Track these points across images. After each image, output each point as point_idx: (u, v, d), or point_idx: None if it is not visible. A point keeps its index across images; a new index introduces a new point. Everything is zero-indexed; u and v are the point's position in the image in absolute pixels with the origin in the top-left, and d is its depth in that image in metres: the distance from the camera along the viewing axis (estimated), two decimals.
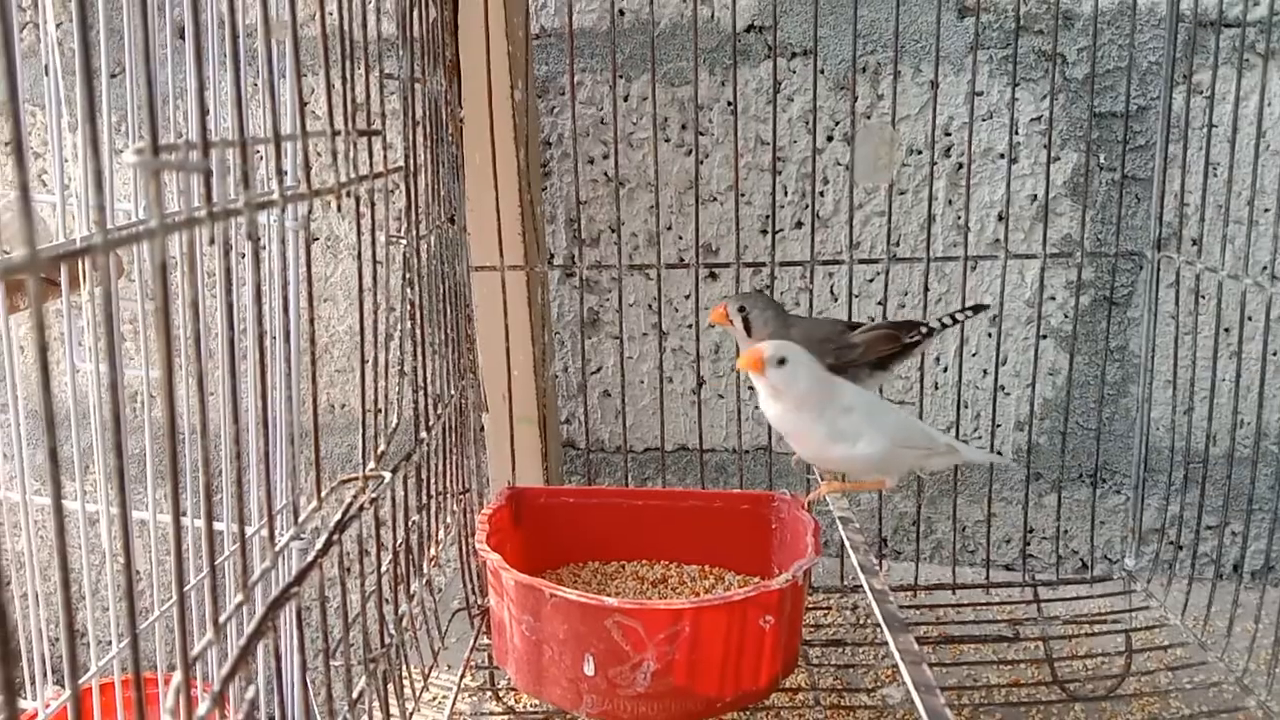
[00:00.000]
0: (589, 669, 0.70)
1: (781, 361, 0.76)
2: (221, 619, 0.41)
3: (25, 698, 0.91)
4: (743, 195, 1.09)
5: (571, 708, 0.73)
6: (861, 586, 0.70)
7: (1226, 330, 0.99)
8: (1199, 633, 0.85)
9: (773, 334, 0.81)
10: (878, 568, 0.67)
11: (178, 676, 0.37)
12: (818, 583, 1.00)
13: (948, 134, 1.06)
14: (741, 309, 0.81)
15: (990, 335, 1.10)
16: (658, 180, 0.97)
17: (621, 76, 1.09)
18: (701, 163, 1.09)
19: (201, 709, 0.37)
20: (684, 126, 1.09)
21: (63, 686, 0.96)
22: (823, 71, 1.07)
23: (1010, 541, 1.15)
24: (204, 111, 0.43)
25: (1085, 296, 1.07)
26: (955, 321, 0.88)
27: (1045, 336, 1.09)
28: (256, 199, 0.39)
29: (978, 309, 0.89)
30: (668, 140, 1.09)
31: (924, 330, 0.87)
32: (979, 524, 1.14)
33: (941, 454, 0.80)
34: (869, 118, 1.06)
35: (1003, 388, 1.11)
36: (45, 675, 0.89)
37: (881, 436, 0.76)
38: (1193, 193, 0.91)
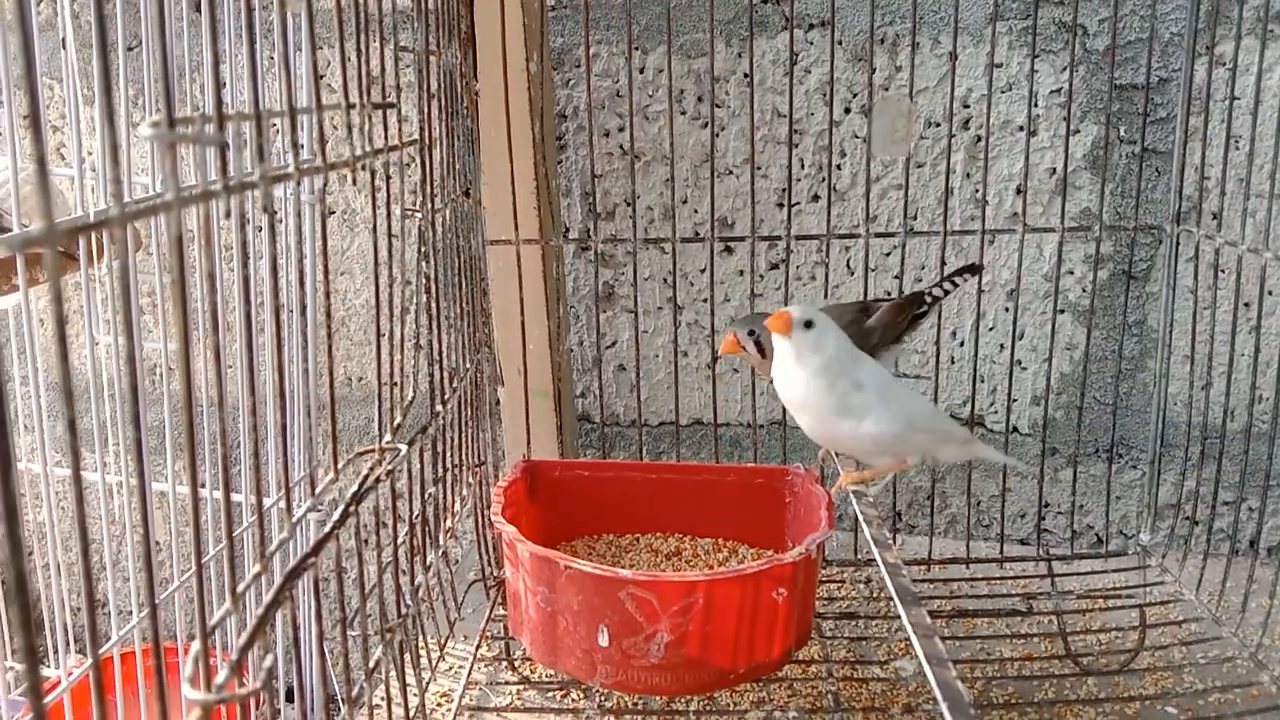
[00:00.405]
0: (603, 640, 0.71)
1: (809, 325, 0.76)
2: (239, 589, 0.42)
3: (48, 666, 0.93)
4: (759, 168, 1.09)
5: (586, 678, 0.74)
6: (875, 560, 0.70)
7: (1246, 305, 0.99)
8: (1214, 608, 0.85)
9: None
10: (891, 542, 0.67)
11: (196, 645, 0.37)
12: (831, 556, 1.00)
13: (966, 106, 1.06)
14: (751, 332, 0.80)
15: (1007, 310, 1.09)
16: (673, 153, 0.97)
17: (637, 48, 1.08)
18: (717, 135, 1.09)
19: (220, 677, 0.38)
20: (700, 99, 1.08)
21: (85, 655, 0.98)
22: (840, 43, 1.06)
23: (1025, 516, 1.15)
24: (219, 84, 0.43)
25: (1104, 271, 1.06)
26: (955, 285, 0.88)
27: (1063, 311, 1.09)
28: (272, 172, 0.39)
29: (972, 270, 0.88)
30: (684, 113, 1.09)
31: (929, 300, 0.86)
32: (994, 498, 1.14)
33: (956, 444, 0.79)
34: (887, 90, 1.06)
35: (1019, 362, 1.10)
36: (68, 644, 0.90)
37: (891, 418, 0.76)
38: (1213, 166, 0.90)
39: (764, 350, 0.79)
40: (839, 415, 0.76)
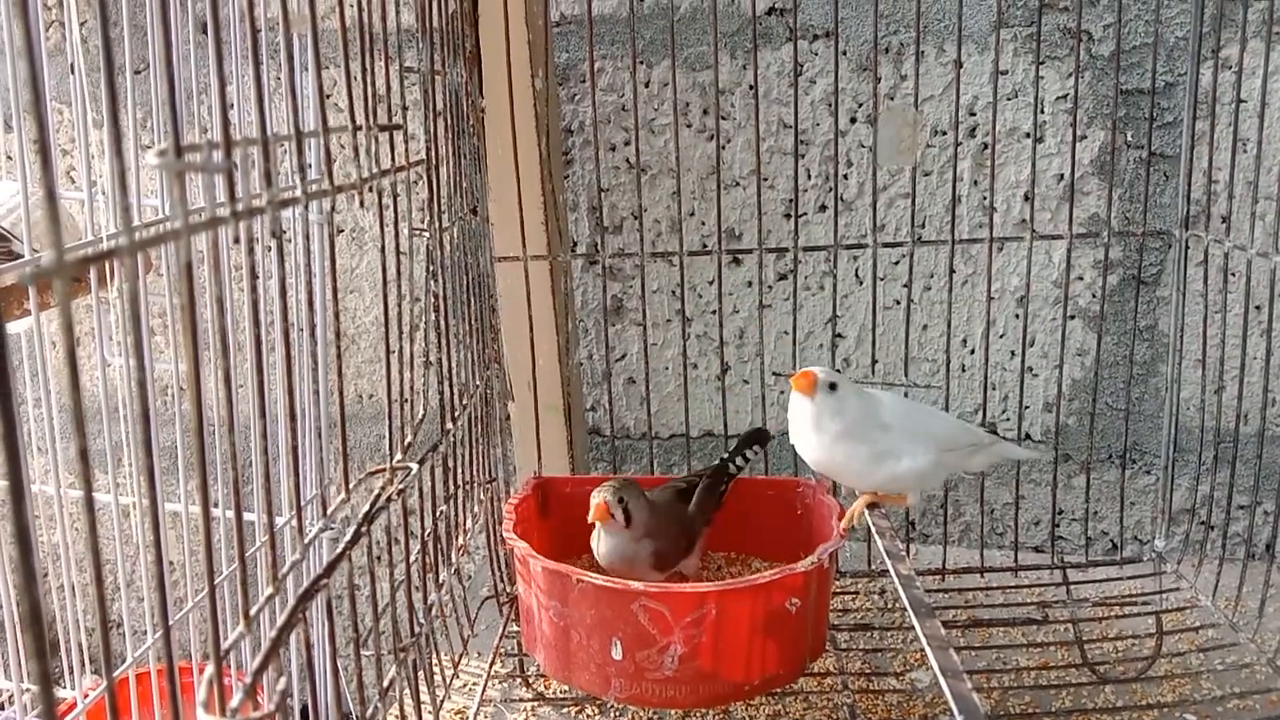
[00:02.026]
0: (617, 653, 0.71)
1: (833, 387, 0.76)
2: (253, 611, 0.42)
3: (64, 687, 0.93)
4: (765, 180, 1.09)
5: (600, 692, 0.74)
6: (889, 571, 0.70)
7: (1258, 308, 0.98)
8: (1230, 614, 0.85)
9: (645, 520, 0.80)
10: (904, 553, 0.67)
11: (210, 668, 0.37)
12: (845, 567, 1.00)
13: (972, 114, 1.06)
14: (621, 500, 0.80)
15: (1017, 317, 1.09)
16: (679, 166, 0.97)
17: (642, 62, 1.08)
18: (723, 148, 1.09)
19: (235, 700, 0.38)
20: (705, 111, 1.08)
21: (100, 676, 0.98)
22: (844, 53, 1.06)
23: (1039, 523, 1.14)
24: (225, 108, 0.44)
25: (1113, 276, 1.06)
26: (747, 460, 0.89)
27: (1073, 317, 1.09)
28: (280, 197, 0.39)
29: (761, 439, 0.90)
30: (689, 125, 1.09)
31: (726, 479, 0.87)
32: (1007, 506, 1.13)
33: (984, 449, 0.80)
34: (892, 99, 1.06)
35: (1030, 369, 1.10)
36: (83, 665, 0.90)
37: (923, 449, 0.76)
38: (1221, 170, 0.90)
39: (630, 520, 0.79)
40: (878, 463, 0.76)
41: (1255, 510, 1.04)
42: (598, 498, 0.79)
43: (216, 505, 0.99)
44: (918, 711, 0.79)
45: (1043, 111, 1.04)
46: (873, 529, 0.73)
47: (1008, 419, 1.12)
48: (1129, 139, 1.03)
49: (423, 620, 0.70)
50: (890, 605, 0.94)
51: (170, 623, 0.36)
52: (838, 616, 0.92)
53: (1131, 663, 0.84)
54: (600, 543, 0.81)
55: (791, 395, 0.77)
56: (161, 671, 0.91)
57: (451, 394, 0.77)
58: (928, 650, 0.54)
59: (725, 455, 0.88)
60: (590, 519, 0.79)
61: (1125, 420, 1.01)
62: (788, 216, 1.09)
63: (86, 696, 0.83)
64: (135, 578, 0.93)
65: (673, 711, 0.79)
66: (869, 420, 0.76)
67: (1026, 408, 1.11)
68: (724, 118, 1.08)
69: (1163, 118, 1.02)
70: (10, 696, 1.09)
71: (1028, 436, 1.12)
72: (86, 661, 0.92)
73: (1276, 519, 0.88)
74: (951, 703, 0.50)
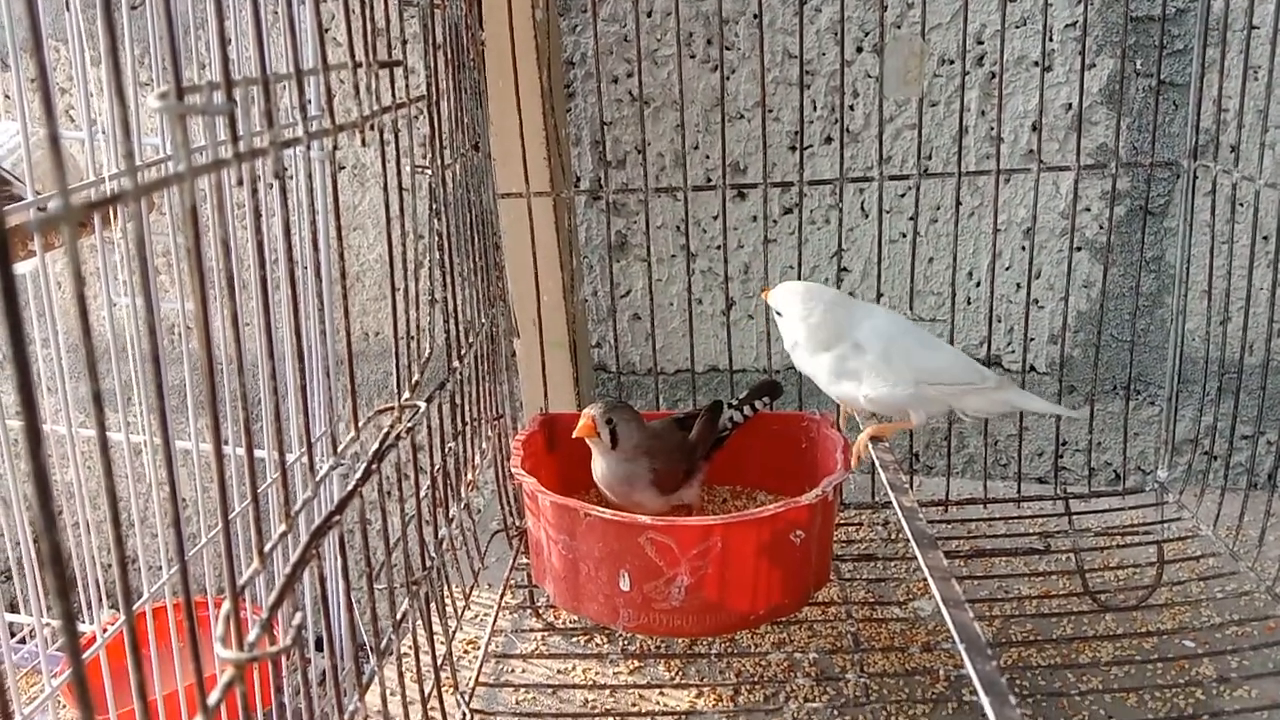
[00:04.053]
0: (625, 585, 0.72)
1: (609, 422, 0.80)
2: (267, 548, 0.42)
3: (82, 621, 0.95)
4: (770, 111, 1.08)
5: (609, 622, 0.75)
6: (892, 503, 0.71)
7: (1265, 238, 0.98)
8: (1231, 543, 0.86)
9: (636, 444, 0.81)
10: (907, 485, 0.68)
11: (227, 604, 0.38)
12: (850, 499, 1.01)
13: (980, 42, 1.04)
14: (609, 420, 0.80)
15: (1024, 249, 1.08)
16: (683, 98, 0.96)
17: None
18: (728, 79, 1.07)
19: (251, 635, 0.39)
20: (709, 41, 1.07)
21: (117, 611, 1.00)
22: None
23: (1043, 455, 1.15)
24: (224, 44, 0.43)
25: (1120, 207, 1.05)
26: (755, 410, 0.88)
27: (1080, 249, 1.08)
28: (281, 137, 0.39)
29: (774, 392, 0.90)
30: (693, 56, 1.08)
31: (731, 423, 0.87)
32: (1011, 438, 1.14)
33: (984, 393, 0.77)
34: (899, 28, 1.04)
35: (1036, 301, 1.10)
36: (100, 600, 0.92)
37: (896, 379, 0.75)
38: (1231, 98, 0.88)
39: (615, 440, 0.80)
40: (833, 383, 0.77)
41: (1258, 440, 1.05)
42: (585, 415, 0.80)
43: (227, 443, 1.00)
44: (920, 640, 0.80)
45: (1051, 39, 1.02)
46: (876, 462, 0.74)
47: (1013, 351, 1.12)
48: (1138, 67, 1.02)
49: (434, 554, 0.71)
50: (894, 536, 0.96)
51: (186, 558, 0.36)
52: (842, 547, 0.93)
53: (1132, 591, 0.85)
54: (597, 466, 0.82)
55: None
56: (178, 606, 0.93)
57: (457, 332, 0.78)
58: (930, 580, 0.55)
59: (733, 402, 0.88)
60: (574, 434, 0.80)
61: (1130, 352, 1.01)
62: (793, 149, 1.09)
63: (105, 630, 0.84)
64: (148, 514, 0.94)
65: (680, 640, 0.81)
66: (836, 337, 0.77)
67: (1031, 340, 1.11)
68: (728, 48, 1.07)
69: (1173, 45, 1.00)
70: (31, 631, 1.12)
71: (1032, 368, 1.12)
72: (104, 596, 0.94)
73: (1279, 448, 0.89)
74: (953, 631, 0.51)
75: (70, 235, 0.24)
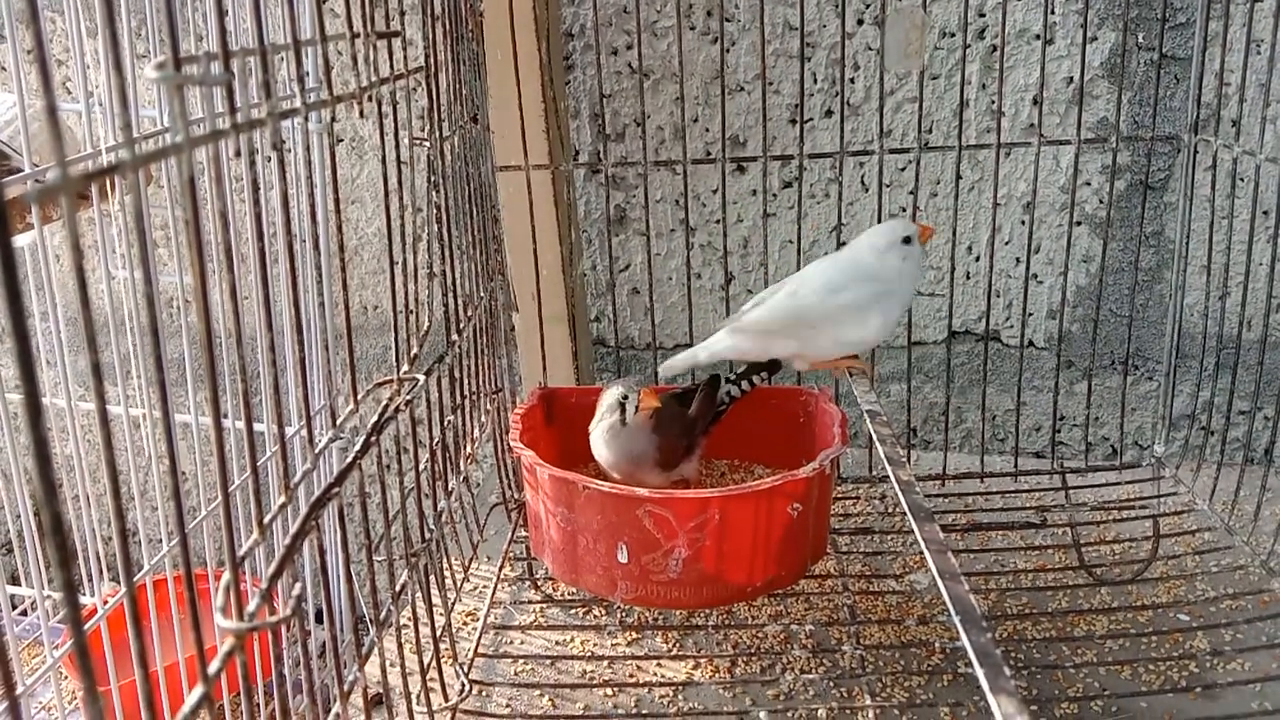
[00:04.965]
0: (623, 557, 0.72)
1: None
2: (266, 520, 0.43)
3: (83, 594, 0.96)
4: (770, 84, 1.07)
5: (607, 594, 0.76)
6: (889, 477, 0.71)
7: (1265, 213, 0.97)
8: (1226, 517, 0.86)
9: (645, 421, 0.82)
10: (904, 459, 0.68)
11: (227, 575, 0.38)
12: (847, 473, 1.01)
13: (981, 15, 1.03)
14: (625, 397, 0.81)
15: (1023, 223, 1.08)
16: (683, 70, 0.95)
17: None
18: (728, 51, 1.07)
19: (251, 605, 0.39)
20: (709, 13, 1.06)
21: (118, 584, 1.00)
22: None
23: (1040, 429, 1.16)
24: (222, 15, 0.43)
25: (1121, 182, 1.05)
26: (753, 385, 0.88)
27: (1079, 223, 1.08)
28: (279, 109, 0.39)
29: (772, 367, 0.89)
30: (692, 28, 1.07)
31: (729, 397, 0.87)
32: (1009, 413, 1.14)
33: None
34: (900, 0, 1.03)
35: (1035, 276, 1.10)
36: (101, 572, 0.92)
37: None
38: (1233, 72, 0.88)
39: (624, 420, 0.81)
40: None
41: (1255, 415, 1.05)
42: (636, 393, 0.80)
43: (226, 416, 1.00)
44: (916, 612, 0.81)
45: (1053, 12, 1.02)
46: (874, 436, 0.74)
47: (1011, 325, 1.12)
48: (1140, 40, 1.01)
49: (433, 526, 0.72)
50: (890, 510, 0.96)
51: (186, 530, 0.37)
52: (839, 521, 0.93)
53: (1128, 565, 0.85)
54: (606, 444, 0.81)
55: None
56: (179, 578, 0.93)
57: (456, 305, 0.78)
58: (926, 553, 0.55)
59: (731, 376, 0.88)
60: (643, 409, 0.80)
61: (1129, 326, 1.01)
62: (793, 122, 1.08)
63: (106, 603, 0.85)
64: (148, 487, 0.95)
65: (677, 612, 0.82)
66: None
67: (1030, 314, 1.11)
68: (728, 19, 1.06)
69: (1175, 18, 1.00)
70: (32, 603, 1.12)
71: (1031, 343, 1.12)
72: (105, 569, 0.94)
73: (1276, 424, 0.89)
74: (949, 604, 0.51)
75: (69, 206, 0.24)
